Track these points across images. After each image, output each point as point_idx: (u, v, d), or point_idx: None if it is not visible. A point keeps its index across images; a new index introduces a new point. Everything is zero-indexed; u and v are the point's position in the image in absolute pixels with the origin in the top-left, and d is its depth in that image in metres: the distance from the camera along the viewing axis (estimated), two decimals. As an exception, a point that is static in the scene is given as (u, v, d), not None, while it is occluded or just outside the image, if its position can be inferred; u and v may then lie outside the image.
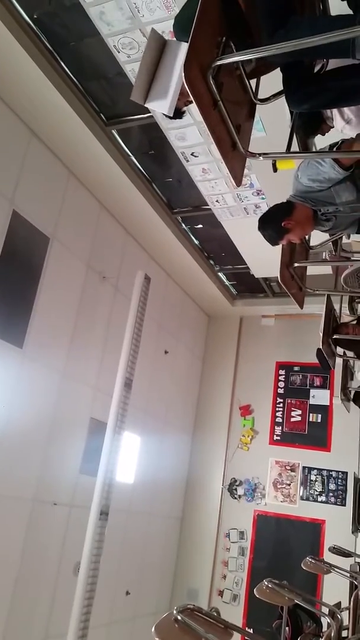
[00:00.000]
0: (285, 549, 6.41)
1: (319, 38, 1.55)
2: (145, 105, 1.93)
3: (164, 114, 1.97)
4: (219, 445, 7.13)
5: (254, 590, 2.41)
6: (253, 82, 2.02)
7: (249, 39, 1.71)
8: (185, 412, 7.21)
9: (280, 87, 2.05)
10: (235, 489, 6.89)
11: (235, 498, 6.87)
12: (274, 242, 2.61)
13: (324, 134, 2.68)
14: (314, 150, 2.37)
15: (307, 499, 6.54)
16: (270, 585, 2.40)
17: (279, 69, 1.97)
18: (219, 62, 1.65)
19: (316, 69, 2.05)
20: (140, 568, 5.97)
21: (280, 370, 7.22)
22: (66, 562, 4.57)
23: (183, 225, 5.81)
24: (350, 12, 2.26)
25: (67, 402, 4.70)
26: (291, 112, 2.23)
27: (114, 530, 4.79)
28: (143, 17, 3.34)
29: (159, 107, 1.89)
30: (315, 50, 1.76)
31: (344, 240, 3.72)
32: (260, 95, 2.02)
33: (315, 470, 6.59)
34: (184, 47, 1.87)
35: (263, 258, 5.66)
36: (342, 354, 3.92)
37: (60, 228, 4.64)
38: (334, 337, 3.75)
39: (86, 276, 5.02)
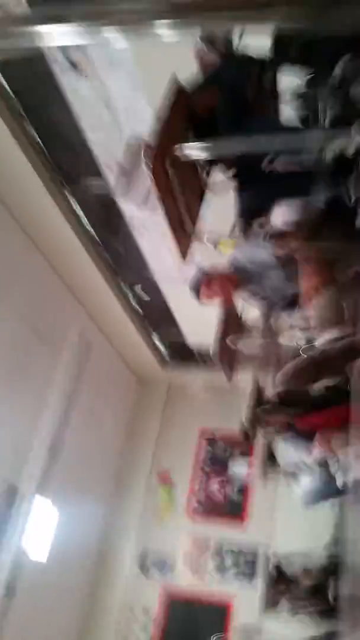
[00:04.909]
0: (193, 627, 6.15)
1: (271, 140, 1.76)
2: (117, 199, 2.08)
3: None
4: (133, 515, 6.89)
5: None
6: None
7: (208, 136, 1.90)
8: (105, 478, 6.97)
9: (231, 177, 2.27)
10: (146, 564, 6.63)
11: (145, 573, 6.59)
12: (195, 289, 2.72)
13: (261, 226, 2.94)
14: (252, 238, 2.58)
15: (218, 576, 6.39)
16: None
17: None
18: (177, 152, 1.82)
19: (264, 164, 2.27)
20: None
21: (203, 440, 7.24)
22: None
23: (125, 288, 5.91)
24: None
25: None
26: (237, 200, 2.43)
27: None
28: (112, 95, 3.57)
29: (132, 206, 2.06)
30: (266, 150, 1.97)
31: (274, 319, 3.95)
32: (212, 183, 2.21)
33: (229, 546, 6.51)
34: None
35: (198, 328, 5.83)
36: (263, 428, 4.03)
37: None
38: (257, 411, 3.87)
39: (19, 329, 4.89)
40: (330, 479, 3.51)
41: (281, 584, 4.99)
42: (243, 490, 6.78)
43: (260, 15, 0.60)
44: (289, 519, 5.96)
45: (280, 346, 4.11)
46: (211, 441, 7.20)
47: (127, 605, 6.44)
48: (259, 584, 5.93)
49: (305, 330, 3.50)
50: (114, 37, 0.67)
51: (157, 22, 0.65)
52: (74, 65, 3.39)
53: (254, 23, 0.65)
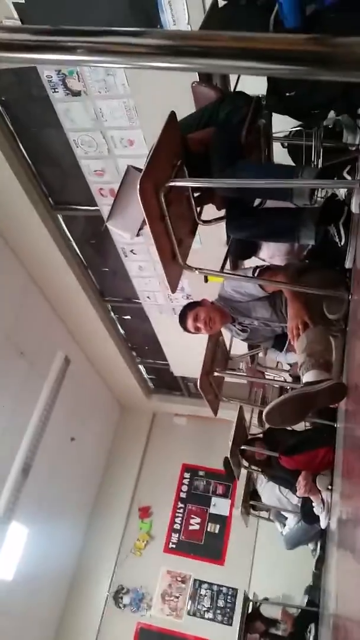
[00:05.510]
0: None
1: (261, 183, 1.76)
2: (109, 225, 2.07)
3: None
4: (111, 547, 6.70)
5: None
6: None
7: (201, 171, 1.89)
8: (82, 506, 6.80)
9: (222, 213, 2.26)
10: (121, 597, 6.42)
11: (120, 607, 6.37)
12: (182, 319, 2.69)
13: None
14: (242, 274, 2.57)
15: (194, 615, 6.20)
16: None
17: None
18: (170, 184, 1.81)
19: (255, 203, 2.28)
20: None
21: (185, 473, 7.10)
22: None
23: (112, 313, 5.88)
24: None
25: None
26: (228, 236, 2.44)
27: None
28: (106, 122, 3.59)
29: (124, 235, 2.05)
30: (258, 191, 1.99)
31: (260, 355, 3.93)
32: (204, 217, 2.20)
33: (206, 585, 6.32)
34: None
35: (184, 358, 5.79)
36: (247, 465, 3.97)
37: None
38: (242, 448, 3.81)
39: (2, 348, 4.83)
40: (314, 520, 3.43)
41: (259, 626, 4.83)
42: (224, 528, 6.63)
43: (259, 67, 0.60)
44: (269, 560, 5.83)
45: (266, 382, 4.07)
46: (192, 476, 7.06)
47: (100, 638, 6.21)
48: (237, 625, 5.74)
49: (292, 366, 3.48)
50: (111, 66, 0.65)
51: (156, 59, 0.62)
52: (69, 88, 3.42)
53: (252, 74, 0.64)
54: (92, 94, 3.41)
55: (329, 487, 3.20)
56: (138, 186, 1.66)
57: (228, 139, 1.95)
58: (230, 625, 6.00)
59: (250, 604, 4.81)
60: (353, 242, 2.05)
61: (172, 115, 1.78)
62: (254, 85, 2.09)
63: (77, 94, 3.43)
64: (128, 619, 6.28)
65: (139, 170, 1.93)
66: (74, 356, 5.66)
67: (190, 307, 2.71)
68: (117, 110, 3.50)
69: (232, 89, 2.37)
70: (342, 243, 2.09)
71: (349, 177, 1.91)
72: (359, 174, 2.17)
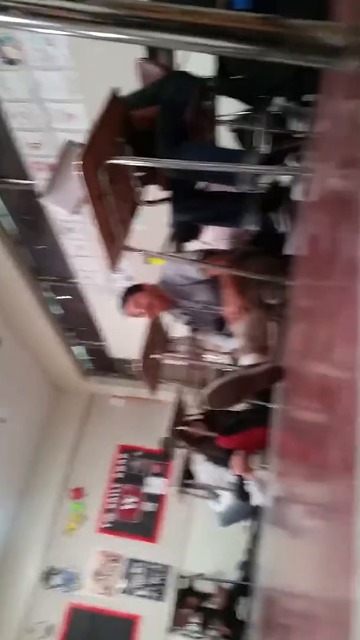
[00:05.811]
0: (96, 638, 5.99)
1: (205, 166, 1.75)
2: (45, 201, 2.00)
3: None
4: (41, 528, 6.60)
5: None
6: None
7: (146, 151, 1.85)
8: (10, 487, 6.63)
9: (166, 194, 2.23)
10: (51, 577, 6.37)
11: (50, 588, 6.33)
12: (123, 302, 2.66)
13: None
14: (183, 255, 2.57)
15: (126, 592, 6.26)
16: None
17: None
18: (111, 161, 1.75)
19: (200, 186, 2.26)
20: None
21: (121, 454, 7.10)
22: None
23: (47, 292, 5.71)
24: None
25: None
26: (171, 220, 2.41)
27: None
28: (44, 94, 3.43)
29: (61, 212, 1.99)
30: (202, 174, 1.97)
31: (200, 337, 3.96)
32: (150, 198, 2.16)
33: (140, 563, 6.39)
34: None
35: (123, 340, 5.74)
36: (184, 445, 4.01)
37: None
38: (179, 428, 3.84)
39: None
40: (247, 497, 3.53)
41: (192, 601, 4.97)
42: (157, 508, 6.72)
43: (208, 43, 0.57)
44: (204, 537, 5.96)
45: (205, 364, 4.12)
46: (128, 457, 7.08)
47: (29, 623, 6.15)
48: (168, 602, 5.87)
49: (231, 349, 3.53)
50: (45, 32, 0.60)
51: (97, 28, 0.58)
52: (4, 56, 3.23)
53: (201, 51, 0.61)
54: (30, 64, 3.24)
55: (262, 465, 3.30)
56: (77, 162, 1.60)
57: (173, 120, 1.91)
58: (163, 601, 6.11)
59: (184, 580, 4.93)
60: (294, 229, 2.09)
61: (114, 91, 1.72)
62: (200, 65, 2.05)
63: (13, 62, 3.25)
64: (59, 599, 6.24)
65: (79, 145, 1.86)
66: (4, 335, 5.47)
67: (130, 292, 2.67)
68: (57, 82, 3.35)
69: (178, 68, 2.32)
70: (284, 229, 2.12)
71: (292, 164, 1.93)
72: (299, 161, 2.20)
